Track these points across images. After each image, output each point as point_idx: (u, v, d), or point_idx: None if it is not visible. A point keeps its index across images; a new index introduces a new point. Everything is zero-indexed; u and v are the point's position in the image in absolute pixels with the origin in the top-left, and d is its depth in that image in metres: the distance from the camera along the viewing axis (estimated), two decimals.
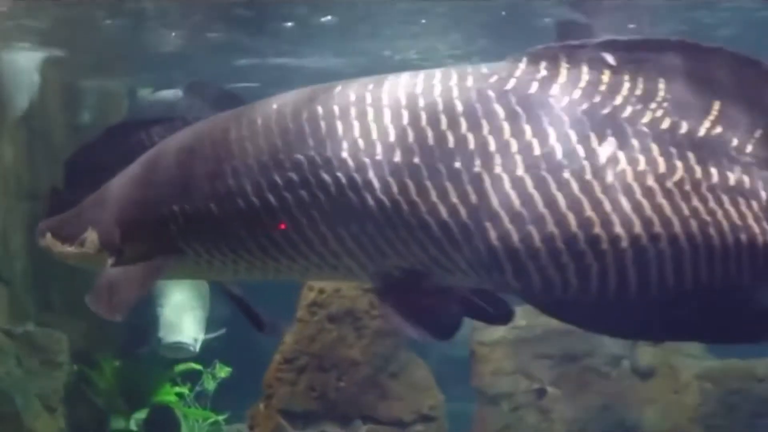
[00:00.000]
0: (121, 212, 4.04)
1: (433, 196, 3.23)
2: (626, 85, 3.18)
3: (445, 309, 3.42)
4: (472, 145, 3.21)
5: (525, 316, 9.80)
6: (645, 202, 3.08)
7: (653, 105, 3.16)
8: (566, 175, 3.11)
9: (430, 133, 3.26)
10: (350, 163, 3.33)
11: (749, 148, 3.14)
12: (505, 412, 9.62)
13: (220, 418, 10.21)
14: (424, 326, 3.37)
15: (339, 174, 3.35)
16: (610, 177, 3.09)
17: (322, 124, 3.40)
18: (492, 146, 3.19)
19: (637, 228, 3.08)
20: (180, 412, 10.13)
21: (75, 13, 9.70)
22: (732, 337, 3.32)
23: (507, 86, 3.24)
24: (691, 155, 3.12)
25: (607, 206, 3.08)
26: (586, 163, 3.11)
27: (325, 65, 11.89)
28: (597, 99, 3.17)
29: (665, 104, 3.15)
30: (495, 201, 3.16)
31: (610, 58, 3.20)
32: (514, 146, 3.18)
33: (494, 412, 9.63)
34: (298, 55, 11.50)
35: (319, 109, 3.44)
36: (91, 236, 4.16)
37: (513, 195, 3.15)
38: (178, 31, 10.63)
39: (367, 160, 3.31)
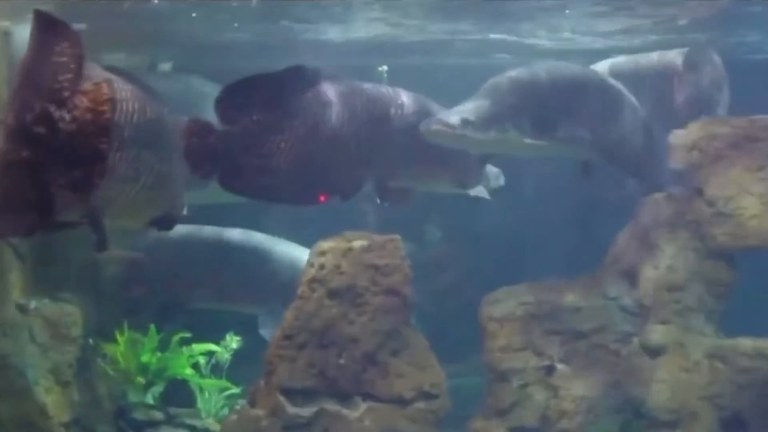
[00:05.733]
0: None
1: None
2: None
3: None
4: None
5: (533, 293, 9.66)
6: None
7: None
8: None
9: None
10: None
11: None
12: (514, 389, 9.48)
13: (236, 390, 10.15)
14: None
15: None
16: None
17: None
18: None
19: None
20: (196, 386, 10.15)
21: None
22: None
23: None
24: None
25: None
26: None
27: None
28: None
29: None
30: None
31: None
32: None
33: (504, 388, 9.50)
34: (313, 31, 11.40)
35: None
36: None
37: None
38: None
39: None
